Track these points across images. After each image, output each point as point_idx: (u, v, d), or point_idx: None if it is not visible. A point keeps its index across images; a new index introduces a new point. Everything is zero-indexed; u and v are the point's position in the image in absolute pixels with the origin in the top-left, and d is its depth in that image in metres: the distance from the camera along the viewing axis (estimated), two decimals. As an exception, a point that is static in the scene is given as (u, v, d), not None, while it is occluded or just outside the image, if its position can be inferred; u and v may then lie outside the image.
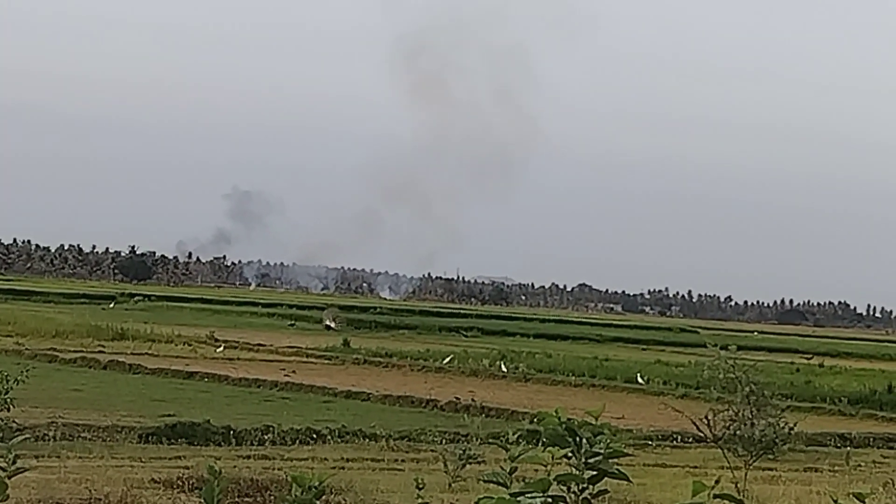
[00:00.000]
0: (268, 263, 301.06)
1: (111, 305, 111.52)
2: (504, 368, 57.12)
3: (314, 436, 30.72)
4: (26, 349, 53.95)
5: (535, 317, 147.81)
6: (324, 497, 5.92)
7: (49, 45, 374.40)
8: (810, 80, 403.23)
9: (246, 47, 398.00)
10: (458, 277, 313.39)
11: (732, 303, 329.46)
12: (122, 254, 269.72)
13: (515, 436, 8.54)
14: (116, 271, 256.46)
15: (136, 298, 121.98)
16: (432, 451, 28.23)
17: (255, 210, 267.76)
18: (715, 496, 5.28)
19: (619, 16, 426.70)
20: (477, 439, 26.30)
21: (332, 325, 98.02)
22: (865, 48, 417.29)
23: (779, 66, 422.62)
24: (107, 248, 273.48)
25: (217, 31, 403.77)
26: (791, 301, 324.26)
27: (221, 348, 62.11)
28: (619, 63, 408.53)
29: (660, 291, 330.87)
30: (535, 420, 5.82)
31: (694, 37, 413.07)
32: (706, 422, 25.36)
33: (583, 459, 5.56)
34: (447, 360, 59.50)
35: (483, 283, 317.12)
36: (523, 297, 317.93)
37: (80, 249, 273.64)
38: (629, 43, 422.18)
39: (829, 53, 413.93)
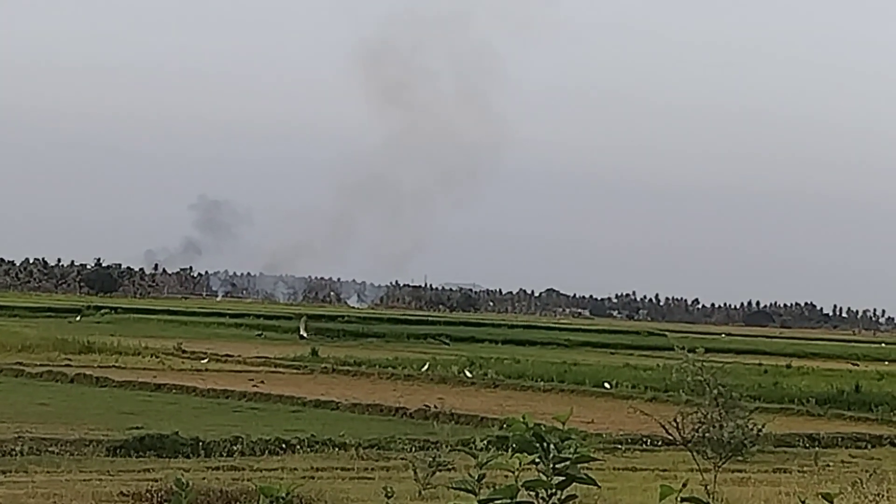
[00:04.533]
0: (234, 273, 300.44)
1: (77, 318, 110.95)
2: (469, 374, 57.18)
3: (283, 446, 30.65)
4: (-8, 364, 53.63)
5: (503, 323, 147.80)
6: (292, 507, 5.91)
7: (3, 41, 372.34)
8: (785, 81, 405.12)
9: (210, 53, 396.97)
10: (426, 284, 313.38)
11: (699, 305, 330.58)
12: (88, 266, 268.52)
13: (484, 442, 8.56)
14: (82, 284, 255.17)
15: (102, 311, 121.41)
16: (402, 458, 28.21)
17: (222, 220, 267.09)
18: (683, 499, 5.29)
19: (587, 16, 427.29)
20: (446, 446, 26.25)
21: (305, 334, 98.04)
22: (857, 32, 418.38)
23: (745, 59, 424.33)
24: (72, 261, 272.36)
25: (179, 38, 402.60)
26: (758, 303, 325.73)
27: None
28: (587, 66, 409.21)
29: (627, 295, 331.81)
30: (504, 426, 5.83)
31: (662, 34, 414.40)
32: (675, 425, 25.39)
33: (551, 465, 5.57)
34: (425, 367, 59.73)
35: (451, 289, 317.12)
36: (491, 304, 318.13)
37: (46, 263, 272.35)
38: (596, 46, 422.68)
39: (808, 38, 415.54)
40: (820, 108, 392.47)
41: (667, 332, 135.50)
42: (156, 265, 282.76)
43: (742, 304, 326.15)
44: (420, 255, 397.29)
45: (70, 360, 58.78)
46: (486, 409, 42.51)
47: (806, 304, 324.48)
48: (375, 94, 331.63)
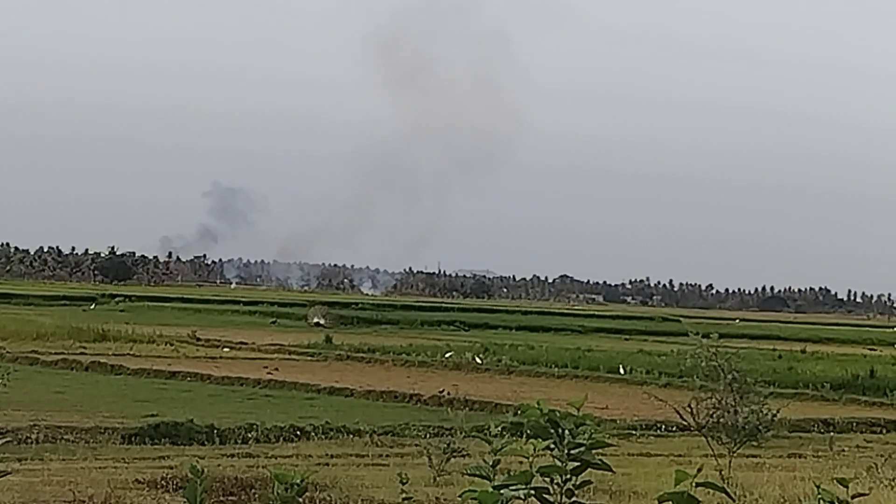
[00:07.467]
0: (248, 261, 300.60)
1: (92, 307, 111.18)
2: (479, 360, 57.16)
3: (298, 433, 30.69)
4: (7, 352, 53.70)
5: (517, 309, 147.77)
6: (307, 493, 5.93)
7: (21, 34, 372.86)
8: (795, 62, 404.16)
9: (225, 41, 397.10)
10: (440, 271, 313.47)
11: (714, 291, 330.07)
12: (102, 255, 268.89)
13: (499, 429, 8.54)
14: (96, 272, 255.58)
15: (116, 299, 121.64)
16: (416, 445, 28.20)
17: (237, 207, 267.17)
18: (698, 484, 5.28)
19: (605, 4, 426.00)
20: (461, 433, 26.31)
21: (322, 321, 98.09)
22: (852, 31, 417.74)
23: (761, 48, 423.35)
24: (86, 250, 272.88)
25: (194, 27, 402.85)
26: (772, 288, 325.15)
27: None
28: (601, 51, 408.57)
29: (641, 281, 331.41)
30: (519, 412, 5.82)
31: (674, 21, 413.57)
32: (689, 410, 25.41)
33: (565, 451, 5.56)
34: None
35: (464, 276, 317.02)
36: (505, 290, 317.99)
37: (60, 251, 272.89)
38: (610, 29, 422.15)
39: (813, 35, 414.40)
40: (833, 106, 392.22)
41: (681, 318, 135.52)
42: (170, 253, 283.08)
43: (756, 289, 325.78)
44: (434, 241, 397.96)
45: (85, 348, 58.90)
46: (500, 395, 42.50)
47: (820, 289, 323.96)
48: (390, 83, 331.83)
